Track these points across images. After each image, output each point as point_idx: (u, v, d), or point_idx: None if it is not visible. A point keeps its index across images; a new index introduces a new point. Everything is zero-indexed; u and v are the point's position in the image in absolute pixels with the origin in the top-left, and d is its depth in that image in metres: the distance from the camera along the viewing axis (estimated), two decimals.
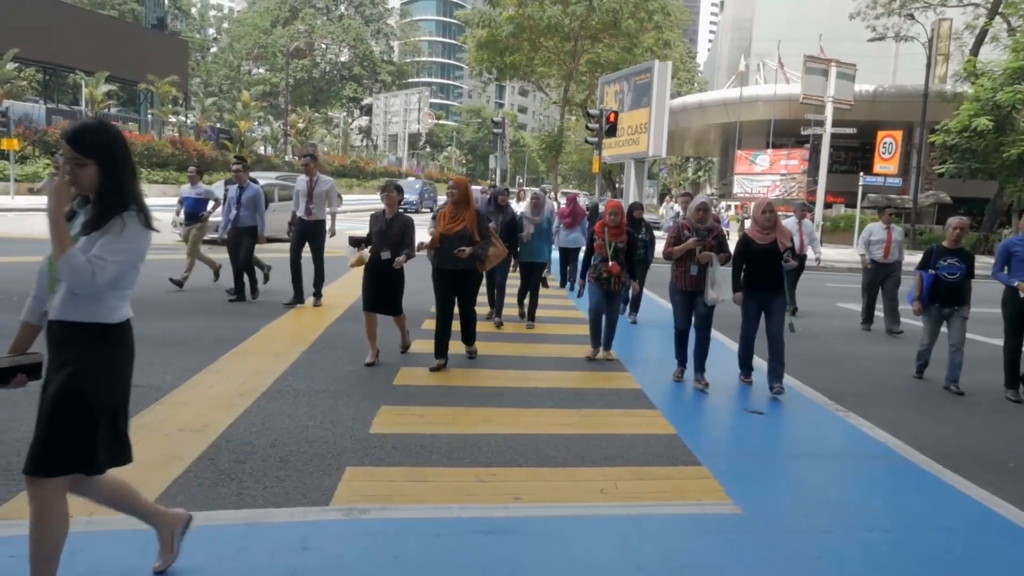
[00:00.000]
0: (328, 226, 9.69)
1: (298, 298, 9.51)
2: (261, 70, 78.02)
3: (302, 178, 9.46)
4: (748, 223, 7.68)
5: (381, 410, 5.44)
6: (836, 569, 3.52)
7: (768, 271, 6.53)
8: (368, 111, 79.50)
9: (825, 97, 28.36)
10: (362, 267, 6.88)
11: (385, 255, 6.72)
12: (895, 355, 9.07)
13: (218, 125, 54.53)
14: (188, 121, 51.27)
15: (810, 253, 11.29)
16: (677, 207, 33.39)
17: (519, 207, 20.20)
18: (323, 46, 77.18)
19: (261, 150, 57.62)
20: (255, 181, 10.04)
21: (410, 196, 36.32)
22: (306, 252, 9.60)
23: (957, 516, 4.23)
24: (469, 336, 7.19)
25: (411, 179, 46.46)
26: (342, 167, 57.00)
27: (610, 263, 7.28)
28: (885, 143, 28.57)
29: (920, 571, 3.56)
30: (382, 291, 6.86)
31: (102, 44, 40.22)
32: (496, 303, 9.23)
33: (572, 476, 4.48)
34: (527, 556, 3.45)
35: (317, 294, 9.64)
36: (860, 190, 27.37)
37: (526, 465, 4.59)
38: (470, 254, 6.58)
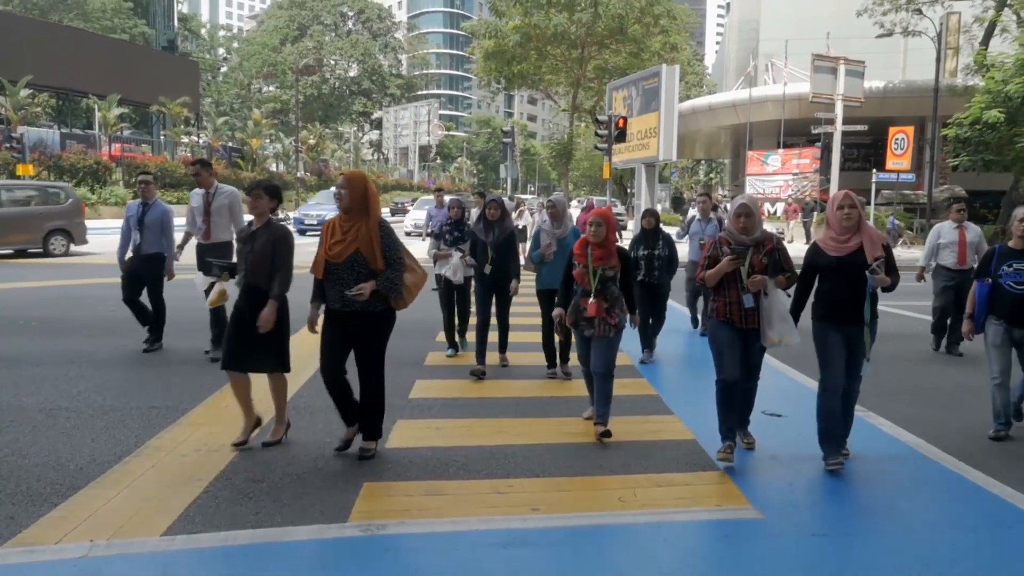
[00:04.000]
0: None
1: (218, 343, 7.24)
2: (271, 88, 78.61)
3: (197, 192, 7.51)
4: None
5: (397, 424, 5.44)
6: (861, 572, 3.48)
7: (849, 294, 4.61)
8: (378, 125, 79.99)
9: (835, 95, 28.25)
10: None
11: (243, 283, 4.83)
12: (915, 353, 8.97)
13: (230, 144, 54.95)
14: (200, 141, 51.78)
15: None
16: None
17: (518, 222, 19.71)
18: (332, 62, 77.71)
19: (273, 167, 58.00)
20: None
21: (327, 212, 25.03)
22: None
23: (982, 514, 4.17)
24: (374, 414, 4.82)
25: (331, 190, 30.73)
26: None
27: (590, 300, 5.16)
28: (897, 139, 28.40)
29: (947, 572, 3.50)
30: (244, 336, 4.75)
31: (114, 68, 40.72)
32: (478, 343, 7.09)
33: (590, 485, 4.46)
34: (547, 567, 3.43)
35: (217, 339, 7.26)
36: (873, 187, 27.19)
37: (544, 475, 4.57)
38: (372, 292, 4.49)
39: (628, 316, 5.38)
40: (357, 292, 4.45)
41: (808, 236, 29.46)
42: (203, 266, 4.87)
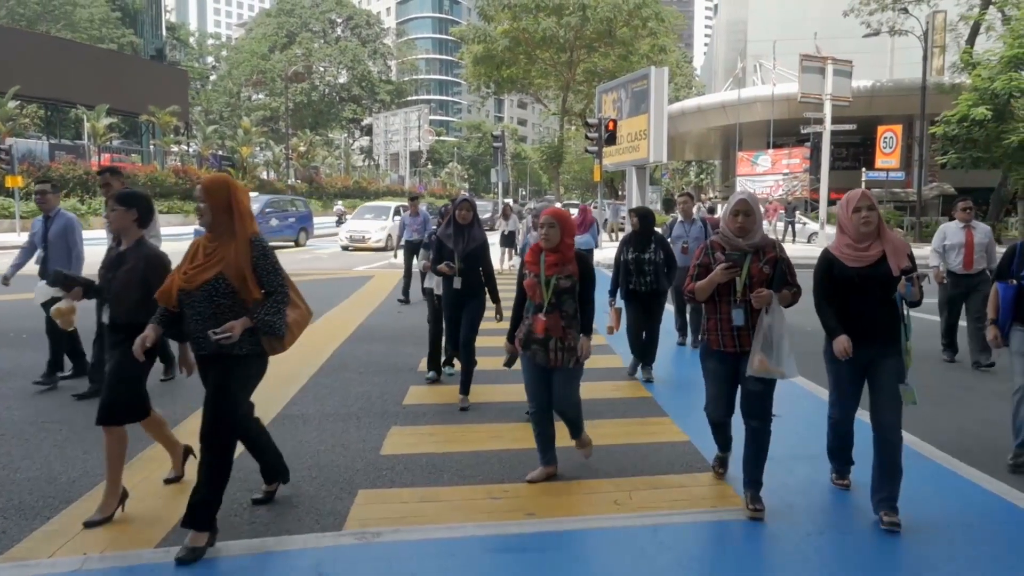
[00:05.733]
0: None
1: (80, 369, 6.57)
2: (261, 96, 78.41)
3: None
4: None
5: (392, 431, 5.43)
6: (858, 572, 3.48)
7: (874, 312, 3.94)
8: (368, 131, 79.79)
9: (823, 95, 28.33)
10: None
11: (105, 316, 4.02)
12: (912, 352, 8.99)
13: (220, 152, 54.78)
14: (190, 150, 51.58)
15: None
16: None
17: (506, 227, 17.97)
18: (321, 69, 77.61)
19: (264, 175, 57.85)
20: None
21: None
22: None
23: (978, 511, 4.19)
24: (202, 495, 3.53)
25: (254, 195, 27.27)
26: (345, 188, 57.18)
27: (542, 316, 4.31)
28: (886, 137, 28.65)
29: (943, 569, 3.51)
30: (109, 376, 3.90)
31: (102, 78, 40.52)
32: (464, 368, 6.31)
33: (585, 489, 4.46)
34: (543, 572, 3.43)
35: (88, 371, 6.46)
36: (863, 185, 27.29)
37: (539, 480, 4.56)
38: (241, 331, 3.40)
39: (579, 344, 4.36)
40: (223, 335, 3.34)
41: (793, 236, 29.60)
42: (54, 277, 4.12)
